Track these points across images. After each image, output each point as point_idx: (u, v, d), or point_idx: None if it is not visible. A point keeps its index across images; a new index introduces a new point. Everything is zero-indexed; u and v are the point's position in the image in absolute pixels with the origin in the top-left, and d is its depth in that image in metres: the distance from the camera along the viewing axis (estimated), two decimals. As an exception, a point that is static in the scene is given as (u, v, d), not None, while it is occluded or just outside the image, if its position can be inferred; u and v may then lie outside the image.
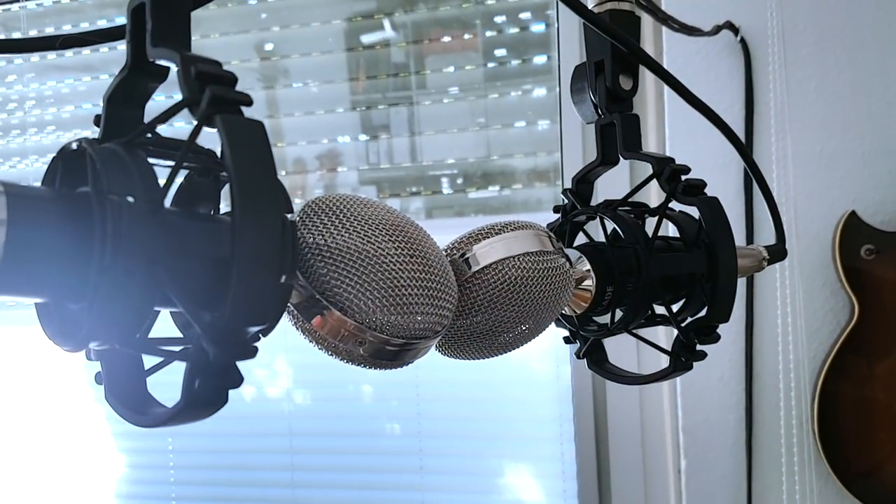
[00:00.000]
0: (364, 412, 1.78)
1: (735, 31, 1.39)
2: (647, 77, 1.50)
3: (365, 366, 0.43)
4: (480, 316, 0.48)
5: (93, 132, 0.38)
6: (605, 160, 0.57)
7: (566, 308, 0.57)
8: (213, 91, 0.30)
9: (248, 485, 1.84)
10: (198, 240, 0.32)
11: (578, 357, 0.60)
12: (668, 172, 0.53)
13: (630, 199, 0.57)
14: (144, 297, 0.30)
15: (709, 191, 0.55)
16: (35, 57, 1.95)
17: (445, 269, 0.44)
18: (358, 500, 1.78)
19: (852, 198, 1.36)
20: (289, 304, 0.40)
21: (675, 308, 0.55)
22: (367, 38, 1.73)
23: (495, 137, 1.66)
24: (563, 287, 0.49)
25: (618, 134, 0.56)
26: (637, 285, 0.52)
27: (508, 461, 1.71)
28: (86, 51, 1.91)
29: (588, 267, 0.53)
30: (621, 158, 0.57)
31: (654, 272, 0.52)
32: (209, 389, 0.31)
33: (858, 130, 1.36)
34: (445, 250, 0.49)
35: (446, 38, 1.71)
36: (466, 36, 1.69)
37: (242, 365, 0.33)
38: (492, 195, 1.70)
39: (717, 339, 0.53)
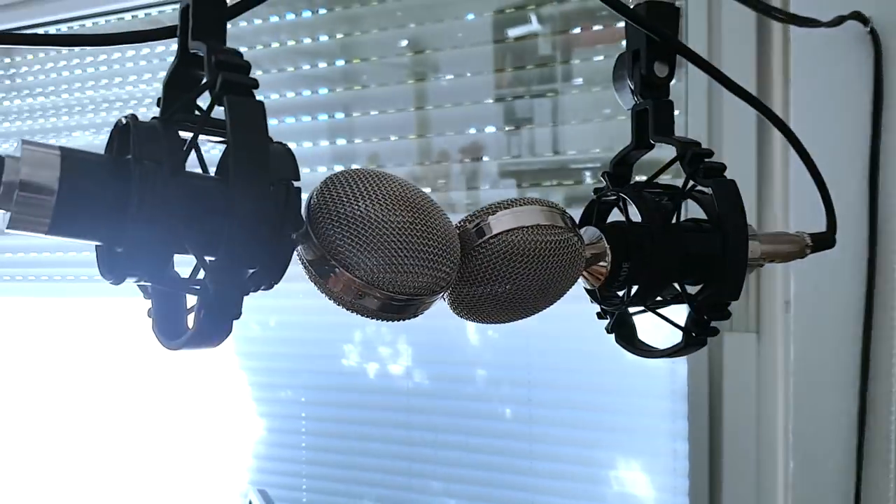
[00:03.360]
0: (477, 394, 1.85)
1: (864, 21, 1.32)
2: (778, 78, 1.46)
3: (376, 318, 0.49)
4: (488, 279, 0.53)
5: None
6: (639, 144, 0.61)
7: (586, 282, 0.60)
8: (225, 76, 0.38)
9: (369, 454, 1.96)
10: (208, 197, 0.40)
11: (608, 332, 0.63)
12: (690, 155, 0.56)
13: (656, 181, 0.60)
14: (166, 242, 0.38)
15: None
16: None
17: (444, 236, 0.49)
18: (469, 479, 1.85)
19: None
20: (306, 263, 0.47)
21: (696, 288, 0.57)
22: (514, 31, 1.76)
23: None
24: (569, 259, 0.53)
25: (650, 119, 0.58)
26: (648, 262, 0.55)
27: (618, 453, 1.72)
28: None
29: (606, 244, 0.57)
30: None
31: (667, 250, 0.55)
32: (212, 319, 0.39)
33: None
34: (463, 219, 0.54)
35: (596, 28, 1.70)
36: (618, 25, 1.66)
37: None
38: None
39: (727, 315, 0.55)
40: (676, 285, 0.57)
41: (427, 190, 1.75)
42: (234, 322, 0.40)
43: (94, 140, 2.29)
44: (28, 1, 2.28)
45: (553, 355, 1.75)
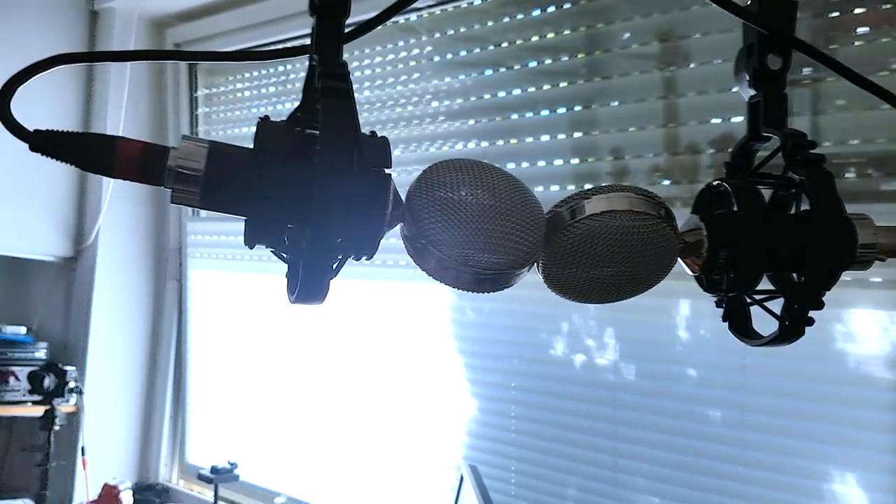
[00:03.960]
0: (687, 395, 1.81)
1: None
2: None
3: (471, 290, 0.56)
4: (574, 258, 0.57)
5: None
6: (753, 136, 0.61)
7: (688, 269, 0.62)
8: (324, 83, 0.48)
9: (574, 444, 2.00)
10: (307, 182, 0.49)
11: (723, 320, 0.64)
12: (790, 146, 0.56)
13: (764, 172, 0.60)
14: (278, 216, 0.48)
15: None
16: (437, 57, 2.34)
17: (522, 218, 0.54)
18: (674, 480, 1.82)
19: None
20: (405, 239, 0.56)
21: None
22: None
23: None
24: (656, 246, 0.56)
25: (761, 110, 0.59)
26: (744, 250, 0.56)
27: (833, 466, 1.60)
28: (477, 49, 2.22)
29: (704, 231, 0.58)
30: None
31: (762, 238, 0.55)
32: (308, 278, 0.48)
33: None
34: (561, 201, 0.59)
35: (859, 11, 1.56)
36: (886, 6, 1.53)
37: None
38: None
39: (820, 305, 0.54)
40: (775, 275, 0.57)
41: (665, 183, 1.78)
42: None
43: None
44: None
45: (768, 357, 1.67)
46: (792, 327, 0.55)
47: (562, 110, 2.03)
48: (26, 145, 0.49)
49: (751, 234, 0.56)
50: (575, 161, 2.00)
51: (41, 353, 2.88)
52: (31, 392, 2.71)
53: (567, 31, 2.01)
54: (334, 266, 0.49)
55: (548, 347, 2.06)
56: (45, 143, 0.48)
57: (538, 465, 2.08)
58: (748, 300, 0.61)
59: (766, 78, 0.60)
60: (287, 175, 0.48)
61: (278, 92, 2.79)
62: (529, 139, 2.08)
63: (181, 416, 3.07)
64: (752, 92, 0.62)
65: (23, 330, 2.92)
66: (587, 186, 0.58)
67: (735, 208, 0.59)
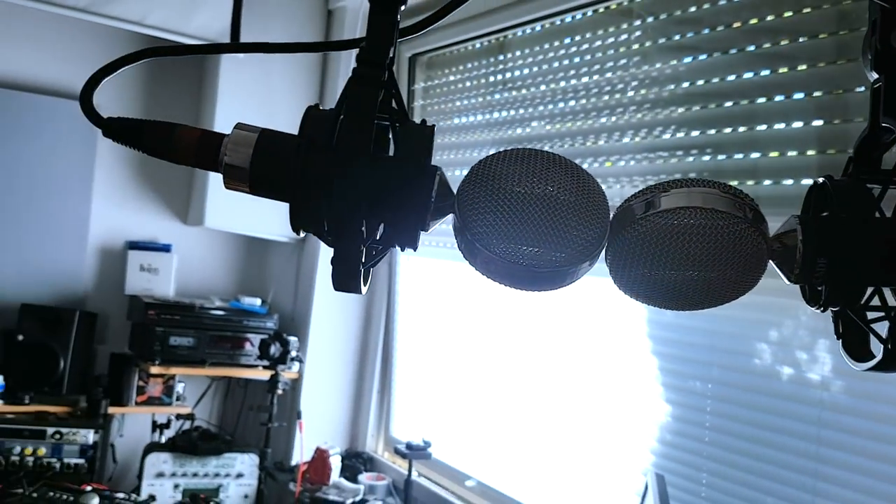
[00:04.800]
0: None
1: None
2: None
3: (526, 289, 0.53)
4: (643, 255, 0.51)
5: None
6: (874, 127, 0.51)
7: (783, 277, 0.53)
8: (355, 70, 0.47)
9: (773, 462, 1.83)
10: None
11: (836, 336, 0.55)
12: (908, 140, 0.45)
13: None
14: (312, 205, 0.49)
15: None
16: (648, 42, 2.24)
17: (582, 210, 0.50)
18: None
19: None
20: (455, 233, 0.53)
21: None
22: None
23: None
24: (740, 249, 0.49)
25: (881, 96, 0.49)
26: (842, 258, 0.47)
27: None
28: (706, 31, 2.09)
29: (799, 235, 0.50)
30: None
31: (865, 246, 0.46)
32: (337, 267, 0.48)
33: None
34: (636, 193, 0.54)
35: None
36: None
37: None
38: None
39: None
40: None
41: None
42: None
43: (568, 126, 2.54)
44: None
45: None
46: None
47: (798, 96, 1.84)
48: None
49: (850, 240, 0.47)
50: (811, 153, 1.80)
51: (272, 324, 3.18)
52: (259, 358, 3.01)
53: (808, 10, 1.80)
54: (368, 254, 0.48)
55: (752, 356, 1.90)
56: (116, 129, 0.53)
57: (731, 481, 1.92)
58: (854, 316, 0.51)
59: (890, 59, 0.49)
60: (322, 161, 0.48)
61: (492, 82, 2.82)
62: (762, 127, 1.91)
63: (387, 392, 3.24)
64: (875, 75, 0.51)
65: (258, 301, 3.25)
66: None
67: (828, 209, 0.50)
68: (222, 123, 3.06)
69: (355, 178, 0.46)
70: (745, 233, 0.50)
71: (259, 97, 3.13)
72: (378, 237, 0.52)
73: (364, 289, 0.52)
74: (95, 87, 0.55)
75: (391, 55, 0.53)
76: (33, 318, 2.85)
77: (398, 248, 0.52)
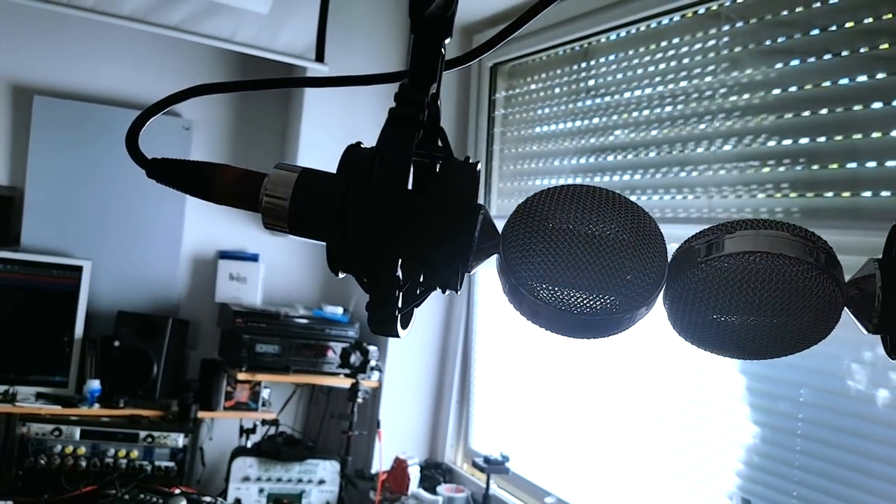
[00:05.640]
0: None
1: None
2: None
3: (577, 337, 0.50)
4: (703, 301, 0.48)
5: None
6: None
7: (862, 327, 0.48)
8: (392, 110, 0.46)
9: (869, 492, 1.73)
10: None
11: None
12: None
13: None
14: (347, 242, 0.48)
15: None
16: (738, 48, 2.15)
17: (638, 252, 0.47)
18: None
19: None
20: (500, 279, 0.51)
21: None
22: None
23: None
24: (810, 296, 0.45)
25: None
26: None
27: None
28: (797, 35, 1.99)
29: (878, 282, 0.45)
30: None
31: None
32: (370, 311, 0.47)
33: None
34: (700, 232, 0.50)
35: None
36: None
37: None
38: None
39: None
40: None
41: None
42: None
43: (654, 134, 2.48)
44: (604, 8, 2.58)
45: None
46: None
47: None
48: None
49: None
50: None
51: (353, 332, 3.22)
52: (340, 366, 3.05)
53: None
54: (409, 295, 0.47)
55: (846, 378, 1.79)
56: (160, 170, 0.53)
57: (824, 511, 1.82)
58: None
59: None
60: (357, 202, 0.47)
61: (576, 90, 2.78)
62: (858, 136, 1.81)
63: (466, 403, 3.23)
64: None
65: (340, 310, 3.30)
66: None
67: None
68: (306, 150, 3.14)
69: (389, 219, 0.45)
70: (815, 280, 0.46)
71: (344, 122, 3.18)
72: (420, 278, 0.51)
73: (404, 332, 0.51)
74: (142, 127, 0.56)
75: (435, 90, 0.52)
76: (129, 325, 2.98)
77: (441, 290, 0.51)
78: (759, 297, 0.46)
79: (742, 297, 0.46)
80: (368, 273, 0.46)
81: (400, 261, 0.46)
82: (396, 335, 0.49)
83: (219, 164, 0.52)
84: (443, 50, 0.52)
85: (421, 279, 0.50)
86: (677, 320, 0.51)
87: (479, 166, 0.52)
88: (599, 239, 0.48)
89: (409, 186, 0.55)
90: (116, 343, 2.94)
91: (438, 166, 0.52)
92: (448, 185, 0.48)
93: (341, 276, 0.50)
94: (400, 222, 0.45)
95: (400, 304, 0.48)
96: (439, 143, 0.54)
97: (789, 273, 0.46)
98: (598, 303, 0.48)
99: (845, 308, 0.50)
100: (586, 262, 0.47)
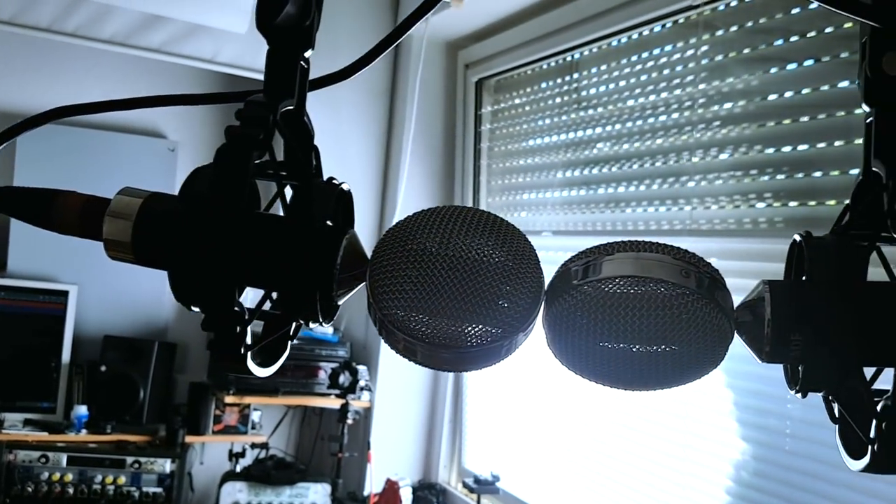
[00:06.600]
0: None
1: None
2: None
3: (455, 370, 0.47)
4: (575, 327, 0.44)
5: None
6: (866, 171, 0.42)
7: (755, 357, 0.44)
8: (227, 128, 0.42)
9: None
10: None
11: (832, 421, 0.45)
12: (894, 187, 0.36)
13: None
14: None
15: None
16: (719, 57, 2.11)
17: (512, 275, 0.44)
18: None
19: None
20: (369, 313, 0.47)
21: None
22: None
23: None
24: (693, 324, 0.41)
25: (872, 134, 0.40)
26: (819, 335, 0.38)
27: None
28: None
29: (768, 307, 0.41)
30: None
31: (847, 320, 0.37)
32: (215, 347, 0.43)
33: None
34: (578, 254, 0.47)
35: None
36: None
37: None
38: None
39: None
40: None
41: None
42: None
43: (636, 147, 2.44)
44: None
45: None
46: (885, 453, 0.36)
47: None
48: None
49: (831, 312, 0.38)
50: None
51: (344, 352, 3.18)
52: (329, 387, 3.01)
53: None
54: (269, 330, 0.43)
55: (833, 391, 1.74)
56: (2, 199, 0.50)
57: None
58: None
59: (882, 88, 0.40)
60: (188, 225, 0.43)
61: (563, 102, 2.74)
62: (840, 143, 1.76)
63: (459, 422, 3.18)
64: (867, 108, 0.43)
65: (330, 330, 3.26)
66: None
67: (803, 274, 0.41)
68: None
69: (221, 243, 0.41)
70: (693, 305, 0.42)
71: (329, 132, 3.17)
72: (276, 309, 0.47)
73: (264, 370, 0.47)
74: (-5, 152, 0.52)
75: (294, 107, 0.48)
76: (116, 350, 2.95)
77: (303, 322, 0.47)
78: (635, 323, 0.42)
79: (618, 324, 0.43)
80: (202, 303, 0.43)
81: (239, 289, 0.43)
82: (248, 373, 0.45)
83: (63, 190, 0.49)
84: (303, 63, 0.49)
85: (279, 311, 0.46)
86: (554, 346, 0.47)
87: (345, 187, 0.49)
88: (470, 262, 0.44)
89: (270, 211, 0.52)
90: (103, 368, 2.91)
91: (295, 187, 0.48)
92: (305, 206, 0.45)
93: (195, 309, 0.47)
94: (234, 246, 0.42)
95: (249, 339, 0.44)
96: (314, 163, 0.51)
97: (666, 298, 0.42)
98: (472, 332, 0.44)
99: (737, 335, 0.46)
100: (457, 288, 0.43)
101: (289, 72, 0.48)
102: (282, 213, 0.47)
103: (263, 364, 0.47)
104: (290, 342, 0.50)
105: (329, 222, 0.47)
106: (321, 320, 0.46)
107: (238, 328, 0.43)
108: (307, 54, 0.49)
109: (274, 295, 0.49)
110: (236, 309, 0.43)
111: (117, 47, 2.81)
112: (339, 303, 0.48)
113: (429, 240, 0.45)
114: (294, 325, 0.49)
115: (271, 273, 0.44)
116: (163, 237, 0.46)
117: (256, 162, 0.44)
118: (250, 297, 0.47)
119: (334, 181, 0.48)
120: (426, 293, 0.44)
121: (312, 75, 0.52)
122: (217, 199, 0.42)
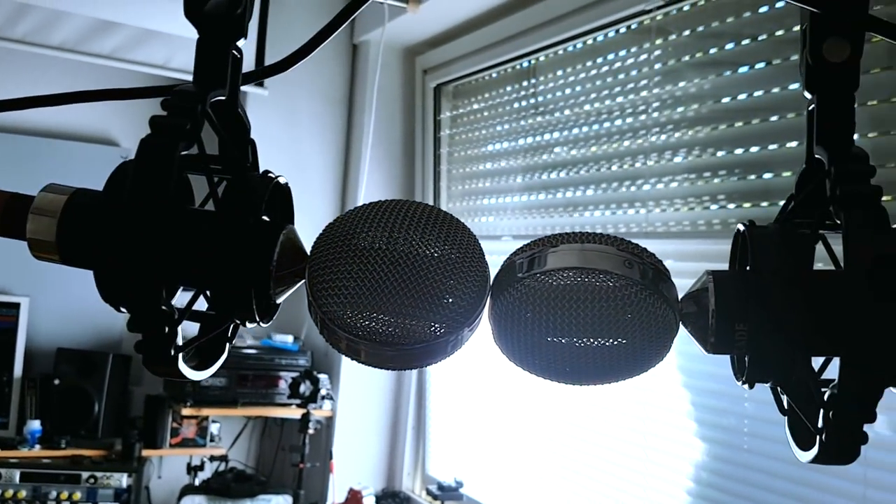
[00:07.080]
0: None
1: None
2: None
3: (400, 368, 0.45)
4: (520, 321, 0.43)
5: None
6: (809, 158, 0.42)
7: (698, 345, 0.44)
8: (152, 118, 0.41)
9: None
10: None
11: (781, 412, 0.45)
12: (835, 173, 0.36)
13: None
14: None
15: None
16: (672, 61, 2.13)
17: (455, 268, 0.43)
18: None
19: None
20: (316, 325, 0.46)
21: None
22: None
23: None
24: (637, 316, 0.40)
25: (814, 120, 0.40)
26: (765, 324, 0.38)
27: None
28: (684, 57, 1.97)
29: (712, 297, 0.41)
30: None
31: (793, 308, 0.37)
32: (141, 347, 0.42)
33: None
34: (523, 246, 0.46)
35: None
36: None
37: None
38: None
39: (871, 417, 0.34)
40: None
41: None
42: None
43: (593, 151, 2.45)
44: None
45: None
46: (833, 443, 0.36)
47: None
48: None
49: (777, 300, 0.38)
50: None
51: (304, 361, 3.14)
52: (290, 397, 2.96)
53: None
54: (204, 330, 0.42)
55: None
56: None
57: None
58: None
59: (822, 75, 0.40)
60: (110, 221, 0.42)
61: (521, 107, 2.75)
62: (793, 144, 1.78)
63: (422, 429, 3.16)
64: (809, 95, 0.42)
65: (290, 339, 3.22)
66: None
67: (748, 263, 0.41)
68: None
69: (141, 238, 0.39)
70: (636, 296, 0.41)
71: (287, 140, 3.14)
72: (210, 309, 0.45)
73: (198, 374, 0.45)
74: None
75: (226, 97, 0.47)
76: (69, 363, 2.88)
77: (240, 322, 0.45)
78: (579, 316, 0.42)
79: (562, 318, 0.42)
80: (127, 303, 0.41)
81: (170, 288, 0.41)
82: (179, 376, 0.43)
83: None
84: (235, 52, 0.47)
85: (214, 311, 0.45)
86: (500, 342, 0.46)
87: (281, 180, 0.47)
88: (412, 256, 0.43)
89: (202, 205, 0.50)
90: (56, 381, 2.83)
91: (226, 180, 0.47)
92: (236, 200, 0.43)
93: (123, 311, 0.45)
94: (159, 242, 0.40)
95: (181, 340, 0.42)
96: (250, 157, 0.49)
97: (610, 290, 0.41)
98: (416, 328, 0.43)
99: (682, 327, 0.46)
100: (399, 283, 0.42)
101: (219, 61, 0.46)
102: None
103: (200, 367, 0.46)
104: (227, 344, 0.48)
105: (266, 217, 0.45)
106: (258, 320, 0.45)
107: (167, 329, 0.41)
108: (240, 43, 0.47)
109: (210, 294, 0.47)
110: (164, 308, 0.41)
111: (67, 54, 2.75)
112: (278, 301, 0.46)
113: (370, 234, 0.43)
114: (231, 325, 0.48)
115: (202, 270, 0.42)
116: (87, 234, 0.44)
117: (185, 154, 0.43)
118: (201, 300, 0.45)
119: (270, 174, 0.46)
120: (367, 289, 0.43)
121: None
122: (140, 192, 0.40)
